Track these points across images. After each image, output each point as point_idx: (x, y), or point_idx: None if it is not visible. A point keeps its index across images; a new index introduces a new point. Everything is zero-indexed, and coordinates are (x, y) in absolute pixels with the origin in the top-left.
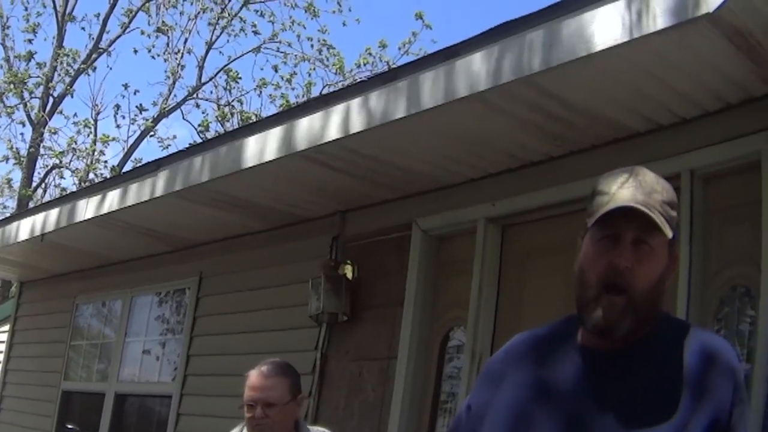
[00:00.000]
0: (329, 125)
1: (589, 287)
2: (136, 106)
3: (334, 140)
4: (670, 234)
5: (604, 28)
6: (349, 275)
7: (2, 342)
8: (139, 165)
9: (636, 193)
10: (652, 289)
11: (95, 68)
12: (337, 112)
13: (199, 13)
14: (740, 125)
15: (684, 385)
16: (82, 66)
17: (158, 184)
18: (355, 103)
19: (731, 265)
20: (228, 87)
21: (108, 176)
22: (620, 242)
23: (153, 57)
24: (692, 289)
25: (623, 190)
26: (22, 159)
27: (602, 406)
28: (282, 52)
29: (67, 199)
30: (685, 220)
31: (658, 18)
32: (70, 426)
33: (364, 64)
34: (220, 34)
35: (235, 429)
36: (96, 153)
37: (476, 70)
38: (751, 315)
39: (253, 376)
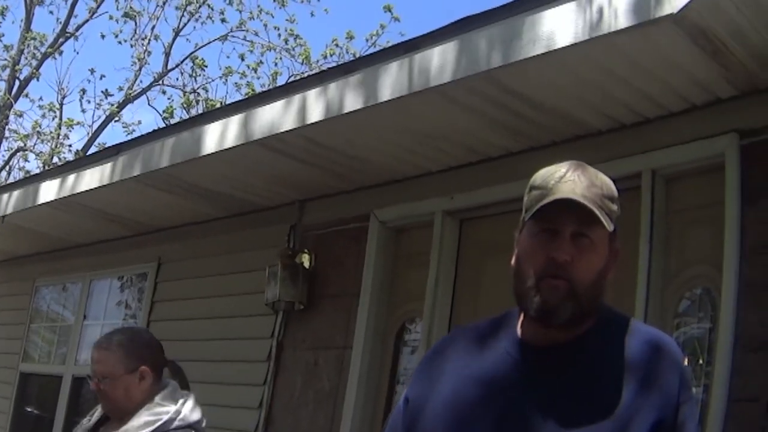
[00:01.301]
0: (288, 114)
1: (527, 279)
2: (102, 91)
3: (292, 129)
4: (610, 227)
5: (565, 26)
6: (306, 264)
7: None
8: (100, 150)
9: (575, 187)
10: (593, 283)
11: (62, 52)
12: (296, 101)
13: None
14: (704, 127)
15: (627, 379)
16: (48, 50)
17: (117, 169)
18: (314, 93)
19: (692, 266)
20: (194, 74)
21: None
22: (559, 236)
23: (120, 42)
24: (651, 289)
25: (561, 184)
26: None
27: (541, 401)
28: (249, 41)
29: (27, 181)
30: (645, 219)
31: (620, 17)
32: (29, 409)
33: (331, 55)
34: (188, 21)
35: None
36: (61, 137)
37: (435, 65)
38: (712, 317)
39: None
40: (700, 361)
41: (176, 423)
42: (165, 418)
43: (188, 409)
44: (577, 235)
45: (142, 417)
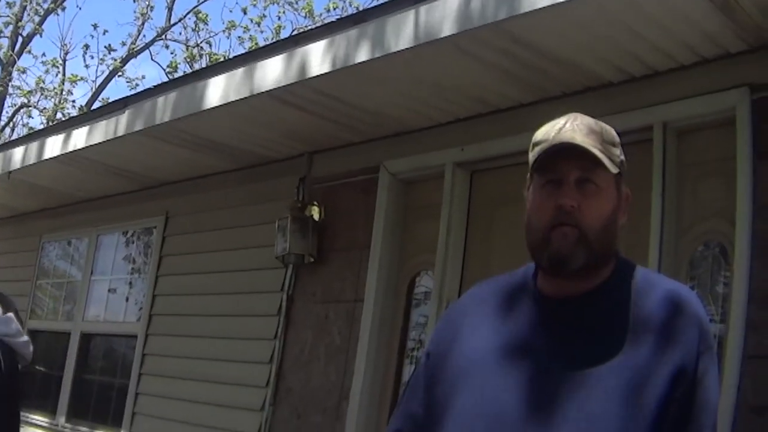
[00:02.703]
0: (296, 66)
1: (538, 231)
2: (105, 47)
3: (300, 81)
4: (614, 169)
5: None
6: (316, 217)
7: None
8: (106, 104)
9: (574, 135)
10: (604, 228)
11: (65, 8)
12: (303, 53)
13: None
14: (715, 80)
15: (646, 332)
16: (51, 6)
17: (123, 122)
18: (322, 44)
19: (705, 220)
20: (197, 29)
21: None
22: (564, 184)
23: None
24: (664, 244)
25: (560, 134)
26: None
27: (559, 352)
28: None
29: (33, 136)
30: (657, 172)
31: None
32: (36, 366)
33: (334, 9)
34: None
35: None
36: (64, 92)
37: (443, 15)
38: (725, 271)
39: None
40: (715, 317)
41: None
42: None
43: None
44: (582, 181)
45: None
